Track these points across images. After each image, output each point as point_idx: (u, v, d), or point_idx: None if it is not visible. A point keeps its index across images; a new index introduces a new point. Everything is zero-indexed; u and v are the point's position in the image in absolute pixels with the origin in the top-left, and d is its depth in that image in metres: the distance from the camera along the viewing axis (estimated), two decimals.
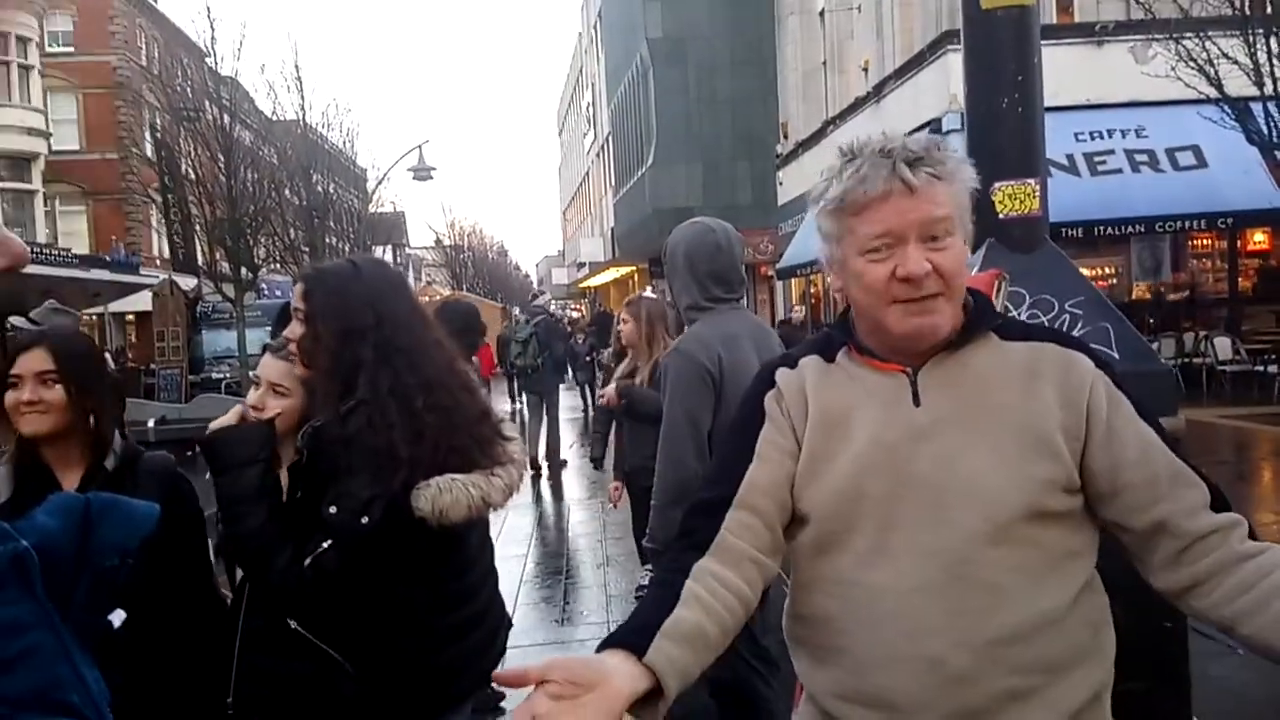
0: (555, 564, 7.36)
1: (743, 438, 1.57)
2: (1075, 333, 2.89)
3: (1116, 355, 2.96)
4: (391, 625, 2.08)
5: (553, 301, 42.62)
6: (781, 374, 1.61)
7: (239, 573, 2.30)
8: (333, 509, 1.97)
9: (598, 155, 50.37)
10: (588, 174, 56.01)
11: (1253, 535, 1.39)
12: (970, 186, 1.48)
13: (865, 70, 18.95)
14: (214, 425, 2.17)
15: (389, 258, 38.26)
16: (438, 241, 56.60)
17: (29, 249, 0.78)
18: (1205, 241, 16.12)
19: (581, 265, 52.95)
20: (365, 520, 1.96)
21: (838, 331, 1.61)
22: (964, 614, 1.39)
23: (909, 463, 1.44)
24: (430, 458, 2.01)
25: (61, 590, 1.51)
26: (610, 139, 43.18)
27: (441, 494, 1.98)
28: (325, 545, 1.98)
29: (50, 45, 31.78)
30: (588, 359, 17.97)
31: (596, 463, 6.33)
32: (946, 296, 1.44)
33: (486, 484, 2.06)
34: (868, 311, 1.50)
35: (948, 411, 1.46)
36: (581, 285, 55.28)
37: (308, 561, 1.98)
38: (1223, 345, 14.21)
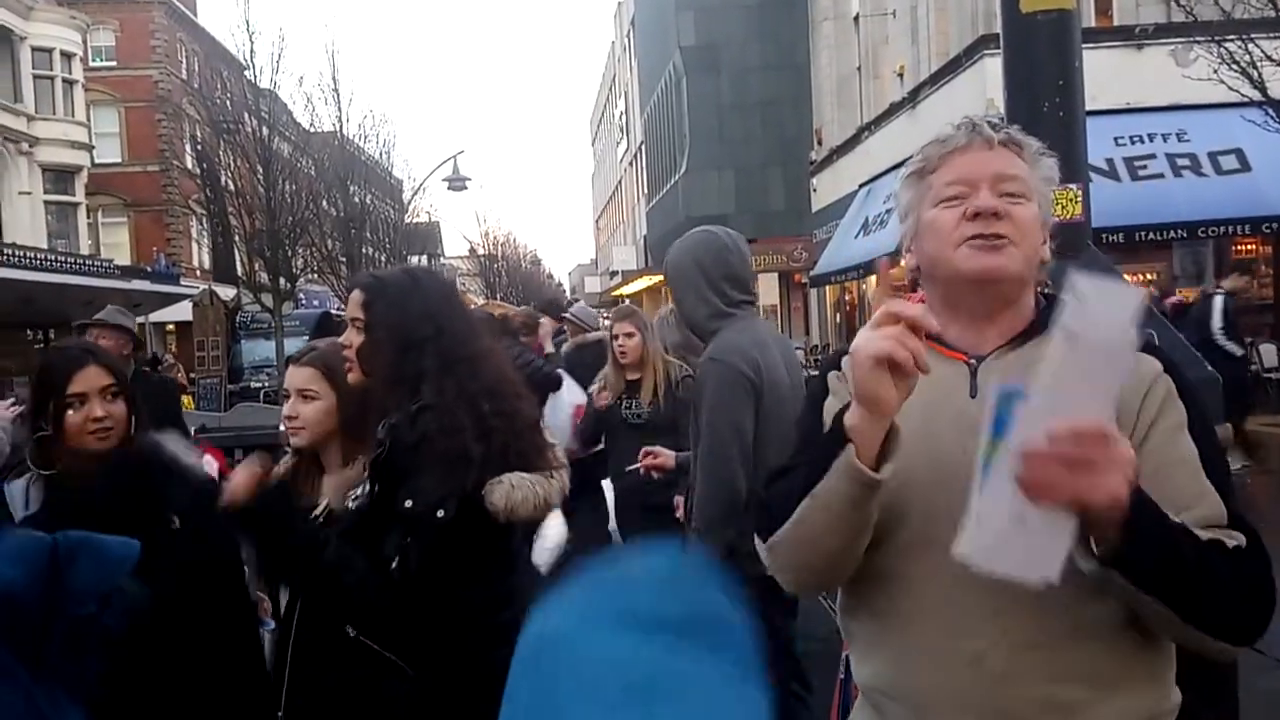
0: None
1: (814, 415, 1.58)
2: None
3: None
4: (451, 624, 2.11)
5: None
6: (846, 360, 1.60)
7: (284, 602, 2.32)
8: (409, 503, 2.02)
9: (630, 163, 50.47)
10: (620, 182, 56.11)
11: (1254, 554, 1.33)
12: (1050, 177, 1.50)
13: (900, 76, 18.83)
14: (225, 493, 2.12)
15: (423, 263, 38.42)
16: (472, 251, 56.86)
17: None
18: (1249, 246, 15.82)
19: (614, 274, 52.99)
20: (441, 514, 2.01)
21: None
22: (1003, 612, 1.36)
23: (955, 453, 1.41)
24: (500, 458, 2.08)
25: (30, 643, 1.43)
26: (643, 147, 43.25)
27: (514, 490, 2.05)
28: (404, 545, 2.03)
29: (93, 60, 32.31)
30: None
31: None
32: (1018, 245, 1.43)
33: (547, 485, 2.13)
34: (938, 262, 1.49)
35: None
36: (614, 294, 55.34)
37: (394, 564, 2.03)
38: (1269, 352, 13.91)
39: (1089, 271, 1.19)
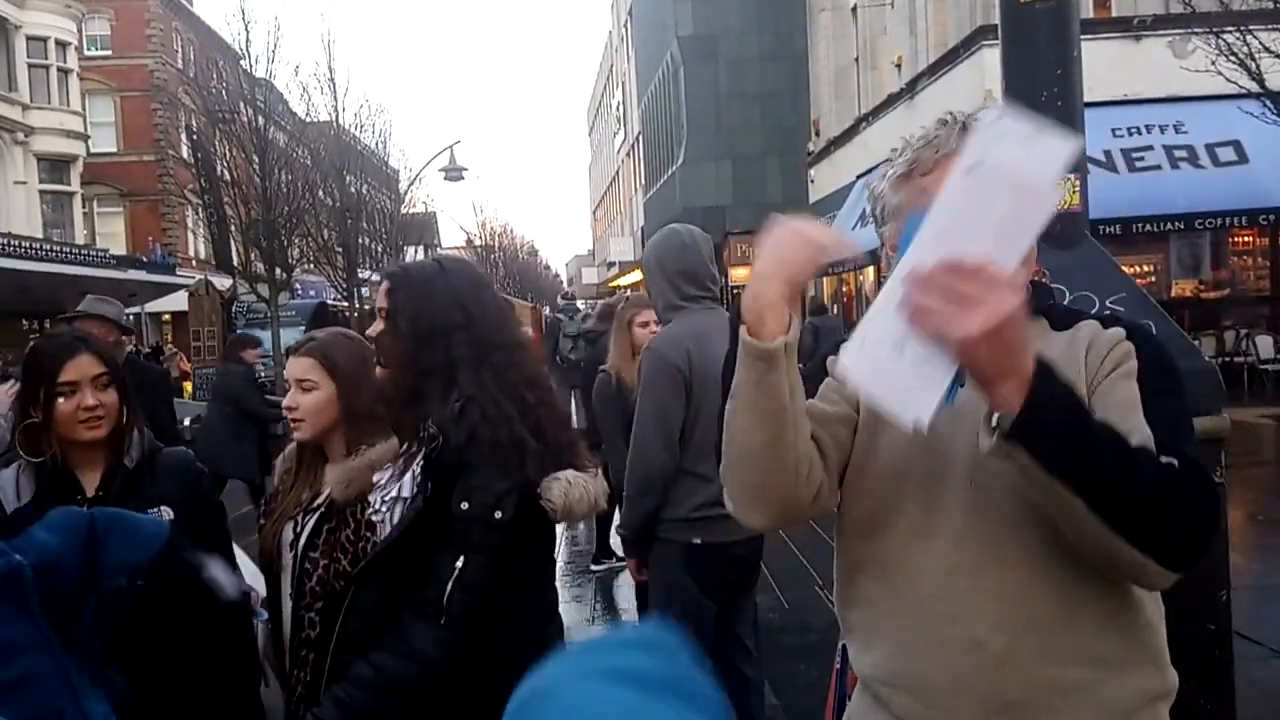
0: (585, 563, 7.34)
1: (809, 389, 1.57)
2: None
3: None
4: (511, 637, 1.98)
5: (579, 301, 42.72)
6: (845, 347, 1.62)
7: (285, 591, 2.28)
8: (465, 504, 1.91)
9: (628, 154, 50.41)
10: (618, 173, 56.07)
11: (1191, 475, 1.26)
12: None
13: (898, 66, 18.82)
14: None
15: (421, 258, 38.46)
16: (469, 241, 56.84)
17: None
18: (1246, 239, 15.86)
19: (611, 265, 52.99)
20: (499, 515, 1.90)
21: None
22: (1002, 598, 1.38)
23: (948, 443, 1.41)
24: (555, 453, 1.98)
25: (66, 613, 1.44)
26: (640, 138, 43.19)
27: (571, 488, 1.94)
28: (458, 565, 1.89)
29: (89, 49, 32.21)
30: None
31: None
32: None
33: (595, 485, 2.01)
34: None
35: None
36: (611, 285, 55.36)
37: (446, 596, 1.88)
38: (1264, 344, 13.97)
39: (1022, 116, 1.12)
